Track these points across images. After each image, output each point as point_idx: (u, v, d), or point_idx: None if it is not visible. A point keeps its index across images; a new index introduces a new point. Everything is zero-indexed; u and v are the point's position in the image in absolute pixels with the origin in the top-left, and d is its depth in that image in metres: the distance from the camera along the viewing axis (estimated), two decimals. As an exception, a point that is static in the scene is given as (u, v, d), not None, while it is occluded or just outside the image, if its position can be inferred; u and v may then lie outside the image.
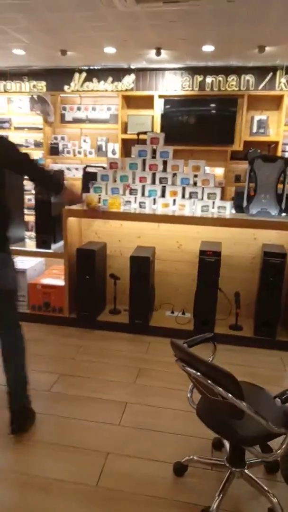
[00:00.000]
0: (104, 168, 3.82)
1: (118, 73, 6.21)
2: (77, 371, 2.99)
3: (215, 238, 3.66)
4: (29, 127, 6.66)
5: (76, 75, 6.30)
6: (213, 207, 3.50)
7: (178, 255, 3.78)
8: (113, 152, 6.37)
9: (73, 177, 6.63)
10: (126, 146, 6.45)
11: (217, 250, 3.29)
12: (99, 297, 3.71)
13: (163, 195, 3.61)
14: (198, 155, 5.66)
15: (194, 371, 1.64)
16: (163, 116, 6.14)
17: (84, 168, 3.93)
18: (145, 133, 3.77)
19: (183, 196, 3.54)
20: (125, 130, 6.32)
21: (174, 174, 3.54)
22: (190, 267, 3.77)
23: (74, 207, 3.62)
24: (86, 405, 2.60)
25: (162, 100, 6.09)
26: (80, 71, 6.28)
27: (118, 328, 3.60)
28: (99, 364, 3.10)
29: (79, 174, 6.51)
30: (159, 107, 6.13)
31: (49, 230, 3.63)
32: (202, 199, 3.50)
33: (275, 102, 6.01)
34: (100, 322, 3.65)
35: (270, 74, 5.83)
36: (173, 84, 6.09)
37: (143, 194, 3.62)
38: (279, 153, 5.92)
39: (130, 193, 3.61)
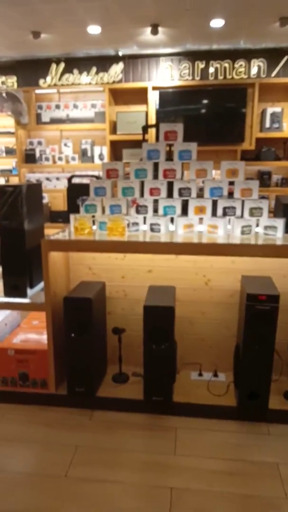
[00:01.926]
0: (97, 177, 2.63)
1: (103, 62, 5.03)
2: (71, 506, 1.79)
3: (259, 270, 2.51)
4: (-1, 130, 5.42)
5: (53, 66, 5.09)
6: (257, 226, 2.37)
7: (205, 294, 2.63)
8: (101, 157, 5.19)
9: (54, 188, 5.43)
10: (116, 149, 5.28)
11: (273, 294, 2.15)
12: (97, 361, 2.52)
13: (184, 213, 2.45)
14: (203, 157, 4.53)
15: None
16: (158, 112, 4.99)
17: (69, 179, 2.74)
18: (154, 126, 2.62)
19: (214, 213, 2.39)
20: (114, 130, 5.15)
21: (202, 183, 2.38)
22: (222, 310, 2.62)
23: (58, 236, 2.42)
24: None
25: (157, 93, 4.94)
26: (58, 61, 5.08)
27: (129, 406, 2.41)
28: (104, 486, 1.91)
29: (61, 185, 5.31)
30: (153, 101, 4.98)
31: (22, 270, 2.43)
32: (241, 216, 2.36)
33: (291, 92, 4.94)
34: (101, 399, 2.46)
35: (286, 58, 4.75)
36: (170, 73, 4.96)
37: (155, 212, 2.46)
38: (297, 152, 4.85)
39: (138, 212, 2.44)
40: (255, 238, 2.31)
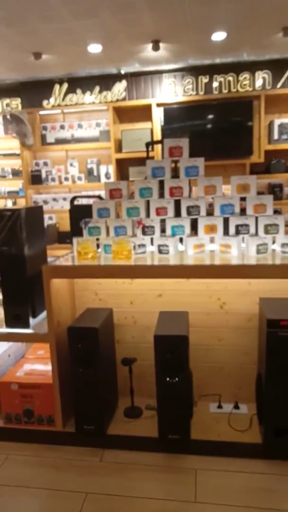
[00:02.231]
0: (101, 198, 2.49)
1: (106, 81, 4.97)
2: None
3: (278, 291, 2.32)
4: (4, 153, 5.36)
5: (56, 86, 5.05)
6: (273, 243, 2.18)
7: (221, 318, 2.43)
8: (107, 176, 5.08)
9: (62, 209, 5.32)
10: (122, 168, 5.17)
11: (296, 318, 1.94)
12: (107, 395, 2.32)
13: (194, 232, 2.28)
14: (211, 172, 4.39)
15: None
16: (164, 129, 4.88)
17: (72, 200, 2.60)
18: (158, 142, 2.48)
19: (226, 232, 2.22)
20: (119, 148, 5.05)
21: (212, 199, 2.22)
22: (240, 336, 2.42)
23: (60, 261, 2.26)
24: None
25: (161, 109, 4.84)
26: (61, 82, 5.03)
27: (142, 445, 2.20)
28: None
29: (68, 205, 5.19)
30: (158, 118, 4.88)
31: (23, 298, 2.27)
32: (256, 234, 2.18)
33: (298, 102, 4.79)
34: (112, 437, 2.25)
35: (291, 68, 4.62)
36: (174, 89, 4.86)
37: (163, 233, 2.30)
38: (308, 162, 4.67)
39: (144, 233, 2.28)
40: (272, 257, 2.12)
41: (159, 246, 2.26)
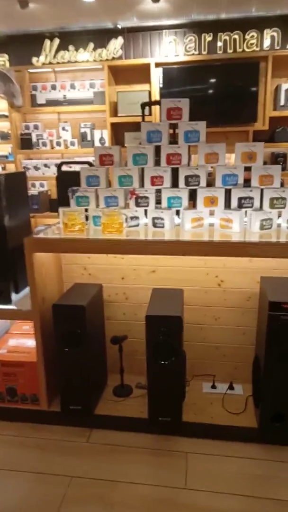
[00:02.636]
0: (90, 164, 2.26)
1: (101, 37, 4.58)
2: None
3: (282, 270, 2.15)
4: (-8, 114, 5.02)
5: (47, 42, 4.65)
6: (278, 220, 1.99)
7: (219, 297, 2.28)
8: (102, 142, 4.79)
9: (54, 175, 5.02)
10: (118, 132, 4.87)
11: (299, 300, 1.79)
12: (95, 375, 2.20)
13: (192, 204, 2.09)
14: (211, 139, 4.11)
15: None
16: (162, 92, 4.54)
17: (58, 166, 2.37)
18: (155, 103, 2.24)
19: (228, 205, 2.02)
20: (114, 112, 4.73)
21: (213, 169, 2.00)
22: (238, 316, 2.28)
23: (46, 233, 2.07)
24: None
25: (160, 70, 4.48)
26: (52, 37, 4.63)
27: (132, 426, 2.10)
28: (104, 531, 1.61)
29: (60, 172, 4.92)
30: (157, 79, 4.53)
31: (5, 272, 2.09)
32: (261, 208, 1.98)
33: (307, 65, 4.45)
34: (100, 418, 2.14)
35: (302, 26, 4.26)
36: (174, 48, 4.50)
37: (158, 204, 2.10)
38: (314, 131, 4.39)
39: (137, 204, 2.08)
40: (277, 234, 1.94)
41: (153, 219, 2.07)
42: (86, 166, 2.21)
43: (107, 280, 2.34)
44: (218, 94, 4.53)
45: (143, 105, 2.31)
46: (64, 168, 2.48)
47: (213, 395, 2.26)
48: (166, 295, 2.10)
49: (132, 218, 2.09)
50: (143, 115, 2.31)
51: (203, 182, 2.01)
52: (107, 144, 4.73)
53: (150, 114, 4.44)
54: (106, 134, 4.74)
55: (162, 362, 1.92)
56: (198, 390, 2.31)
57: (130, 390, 2.32)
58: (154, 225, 2.08)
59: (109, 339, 2.27)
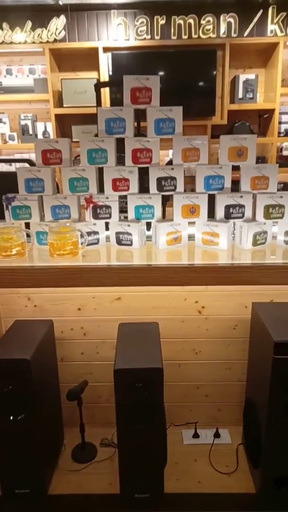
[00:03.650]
0: (31, 163, 1.67)
1: (40, 14, 3.91)
2: None
3: (273, 292, 1.74)
4: None
5: (-24, 18, 3.89)
6: (271, 230, 1.56)
7: (199, 326, 1.82)
8: (46, 135, 4.14)
9: (-10, 174, 4.30)
10: (64, 125, 4.25)
11: (310, 338, 1.37)
12: (47, 441, 1.65)
13: (166, 215, 1.59)
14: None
15: None
16: (112, 80, 3.99)
17: (-12, 166, 1.74)
18: (112, 83, 1.74)
19: (211, 215, 1.55)
20: (59, 102, 4.10)
21: (192, 168, 1.51)
22: (222, 347, 1.84)
23: None
24: None
25: (109, 55, 3.93)
26: (-19, 12, 3.89)
27: (98, 504, 1.58)
28: None
29: (-3, 171, 4.20)
30: (105, 65, 3.97)
31: None
32: (254, 218, 1.53)
33: (265, 55, 4.13)
34: (57, 499, 1.60)
35: (260, 13, 3.91)
36: (124, 31, 3.95)
37: (122, 215, 1.58)
38: (274, 126, 4.10)
39: (96, 216, 1.54)
40: (272, 250, 1.51)
41: (117, 234, 1.55)
42: (25, 165, 1.63)
43: (58, 312, 1.79)
44: (172, 84, 4.06)
45: (97, 86, 1.76)
46: (-3, 168, 1.87)
47: (196, 448, 1.81)
48: (137, 332, 1.59)
49: (89, 233, 1.55)
50: (98, 99, 1.77)
51: (180, 186, 1.52)
52: (51, 137, 4.09)
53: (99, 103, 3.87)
54: (50, 127, 4.11)
55: (138, 426, 1.42)
56: (178, 441, 1.84)
57: (94, 451, 1.79)
58: (119, 242, 1.56)
59: (63, 387, 1.73)
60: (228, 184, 1.52)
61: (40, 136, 4.15)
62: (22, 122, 4.15)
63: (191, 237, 1.60)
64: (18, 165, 1.62)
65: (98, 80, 3.92)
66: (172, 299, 1.77)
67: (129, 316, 1.76)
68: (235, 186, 1.55)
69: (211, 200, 1.54)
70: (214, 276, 1.33)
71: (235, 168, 1.53)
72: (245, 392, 1.83)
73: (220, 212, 1.53)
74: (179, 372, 1.87)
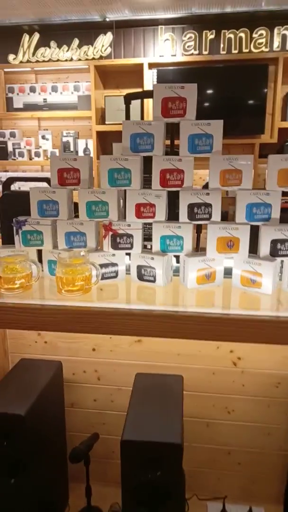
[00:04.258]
0: (48, 181, 1.48)
1: (87, 32, 3.86)
2: None
3: None
4: None
5: (25, 37, 3.91)
6: None
7: (234, 381, 1.50)
8: (86, 152, 4.04)
9: (30, 190, 4.26)
10: (105, 143, 4.13)
11: None
12: (46, 504, 1.39)
13: (199, 248, 1.32)
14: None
15: None
16: (144, 90, 3.81)
17: (5, 184, 1.58)
18: (147, 94, 1.51)
19: (254, 250, 1.25)
20: (102, 119, 3.99)
21: (227, 194, 1.23)
22: (261, 408, 1.50)
23: None
24: None
25: (154, 72, 3.77)
26: (31, 31, 3.90)
27: None
28: None
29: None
30: (150, 82, 3.81)
31: None
32: (306, 257, 1.22)
33: None
34: None
35: None
36: (171, 46, 3.78)
37: (146, 247, 1.33)
38: None
39: (115, 246, 1.31)
40: None
41: (139, 268, 1.30)
42: (41, 184, 1.44)
43: (71, 352, 1.56)
44: (219, 101, 3.82)
45: (127, 98, 1.56)
46: (18, 186, 1.70)
47: (224, 529, 1.47)
48: (156, 387, 1.31)
49: (106, 265, 1.31)
50: (127, 112, 1.56)
51: (216, 215, 1.25)
52: (92, 155, 3.98)
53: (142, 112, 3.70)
54: (92, 144, 4.00)
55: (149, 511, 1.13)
56: (202, 516, 1.52)
57: (102, 517, 1.52)
58: (140, 276, 1.31)
59: (71, 436, 1.48)
60: (276, 214, 1.23)
61: (80, 153, 4.05)
62: (64, 139, 4.09)
63: (227, 273, 1.31)
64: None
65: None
66: (202, 345, 1.48)
67: (150, 362, 1.48)
68: (285, 214, 1.25)
69: (254, 232, 1.25)
70: (255, 333, 1.03)
71: (285, 194, 1.24)
72: (288, 465, 1.48)
73: (265, 248, 1.23)
74: (207, 432, 1.55)
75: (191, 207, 1.25)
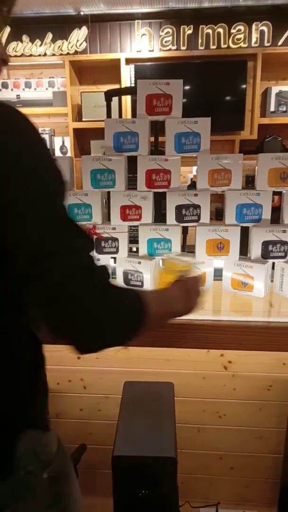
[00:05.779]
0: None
1: (61, 26, 3.75)
2: None
3: None
4: None
5: (-5, 30, 3.77)
6: None
7: (225, 385, 1.48)
8: (63, 150, 3.94)
9: None
10: (83, 140, 4.04)
11: None
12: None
13: (185, 246, 1.29)
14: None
15: None
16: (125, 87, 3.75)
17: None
18: (127, 90, 1.48)
19: (244, 252, 1.23)
20: (79, 116, 3.91)
21: (222, 193, 1.21)
22: (253, 411, 1.48)
23: None
24: None
25: (132, 67, 3.71)
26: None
27: None
28: None
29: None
30: (128, 77, 3.75)
31: None
32: (297, 258, 1.20)
33: (300, 66, 3.80)
34: None
35: (296, 21, 3.61)
36: (148, 42, 3.73)
37: (132, 251, 1.29)
38: (309, 142, 3.74)
39: (100, 250, 1.25)
40: None
41: (125, 273, 1.25)
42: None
43: (54, 360, 1.49)
44: (198, 97, 3.80)
45: (108, 94, 1.50)
46: None
47: (218, 536, 1.45)
48: (146, 397, 1.27)
49: (91, 271, 1.26)
50: (108, 109, 1.50)
51: (205, 216, 1.22)
52: (69, 154, 3.89)
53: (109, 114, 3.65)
54: (68, 141, 3.90)
55: (143, 527, 1.09)
56: (196, 525, 1.49)
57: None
58: (127, 281, 1.27)
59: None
60: (267, 215, 1.21)
61: (57, 151, 3.95)
62: (40, 136, 3.97)
63: (217, 275, 1.29)
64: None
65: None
66: (191, 350, 1.45)
67: (138, 368, 1.44)
68: (276, 215, 1.23)
69: (244, 234, 1.22)
70: (248, 339, 1.01)
71: (276, 194, 1.22)
72: (282, 467, 1.47)
73: (256, 250, 1.20)
74: (198, 438, 1.53)
75: (179, 208, 1.22)
